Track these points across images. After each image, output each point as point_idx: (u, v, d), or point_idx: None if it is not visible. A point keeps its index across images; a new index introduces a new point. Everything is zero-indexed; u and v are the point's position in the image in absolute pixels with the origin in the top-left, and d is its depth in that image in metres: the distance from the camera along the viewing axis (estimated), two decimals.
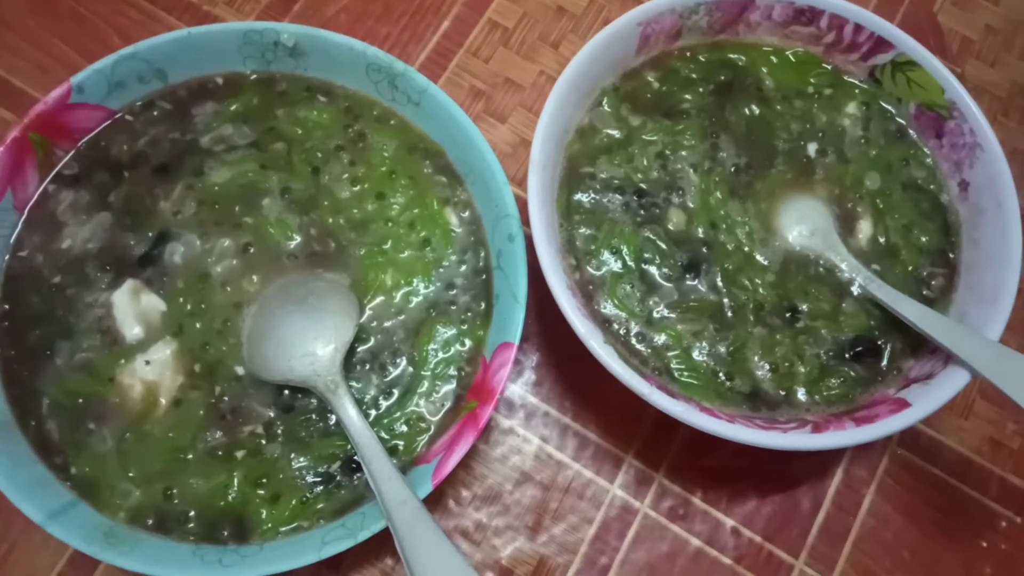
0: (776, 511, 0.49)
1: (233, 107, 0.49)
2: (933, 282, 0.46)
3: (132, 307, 0.45)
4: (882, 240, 0.47)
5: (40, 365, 0.44)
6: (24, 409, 0.43)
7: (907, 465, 0.51)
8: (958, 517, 0.50)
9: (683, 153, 0.48)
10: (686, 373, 0.44)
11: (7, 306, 0.44)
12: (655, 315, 0.45)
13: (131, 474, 0.42)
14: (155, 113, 0.49)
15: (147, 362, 0.44)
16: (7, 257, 0.45)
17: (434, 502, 0.48)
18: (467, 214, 0.48)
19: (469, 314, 0.46)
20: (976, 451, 0.51)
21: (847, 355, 0.45)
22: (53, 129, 0.46)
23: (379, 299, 0.46)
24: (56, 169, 0.47)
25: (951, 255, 0.47)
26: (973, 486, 0.50)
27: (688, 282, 0.46)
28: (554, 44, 0.59)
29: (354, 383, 0.45)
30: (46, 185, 0.47)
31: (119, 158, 0.48)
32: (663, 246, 0.46)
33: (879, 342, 0.45)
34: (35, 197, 0.46)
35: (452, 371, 0.45)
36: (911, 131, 0.49)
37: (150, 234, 0.46)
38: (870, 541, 0.49)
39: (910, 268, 0.46)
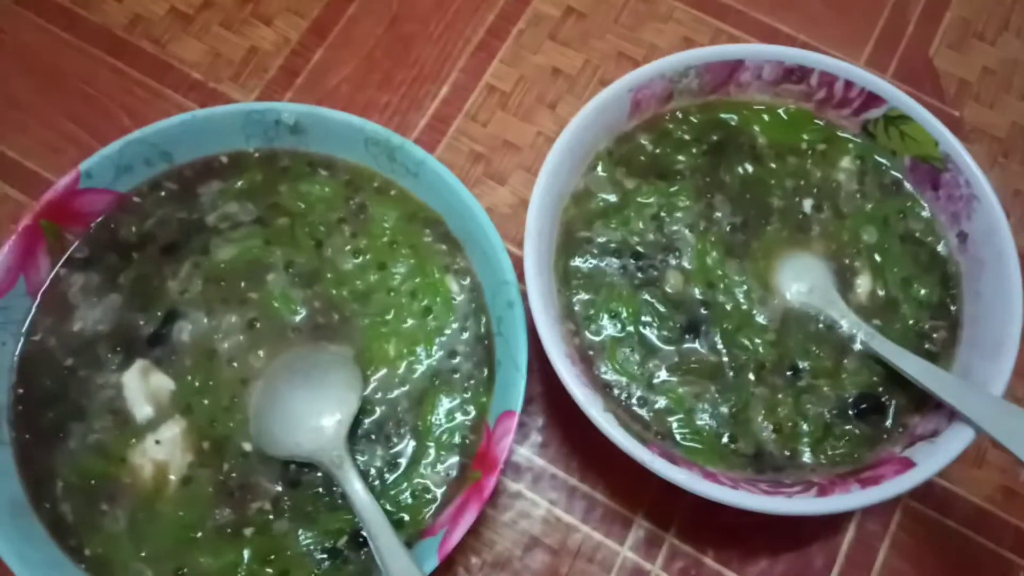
0: (789, 569, 0.49)
1: (238, 184, 0.51)
2: (935, 335, 0.46)
3: (142, 387, 0.46)
4: (881, 294, 0.47)
5: (54, 447, 0.45)
6: (39, 492, 0.44)
7: (921, 518, 0.50)
8: (974, 570, 0.49)
9: (679, 214, 0.48)
10: (689, 436, 0.44)
11: (21, 390, 0.45)
12: (656, 379, 0.45)
13: (143, 554, 0.43)
14: (162, 194, 0.50)
15: (157, 441, 0.45)
16: (21, 342, 0.46)
17: (444, 570, 0.48)
18: (467, 281, 0.49)
19: (472, 381, 0.47)
20: (990, 501, 0.50)
21: (851, 412, 0.44)
22: (63, 215, 0.47)
23: (383, 370, 0.47)
24: (67, 253, 0.48)
25: (952, 308, 0.47)
26: (988, 537, 0.50)
27: (688, 344, 0.46)
28: (551, 105, 0.60)
29: (359, 455, 0.45)
30: (58, 269, 0.48)
31: (128, 239, 0.49)
32: (662, 308, 0.46)
33: (883, 399, 0.45)
34: (47, 282, 0.48)
35: (456, 439, 0.46)
36: (907, 184, 0.49)
37: (159, 313, 0.47)
38: None
39: (911, 322, 0.46)
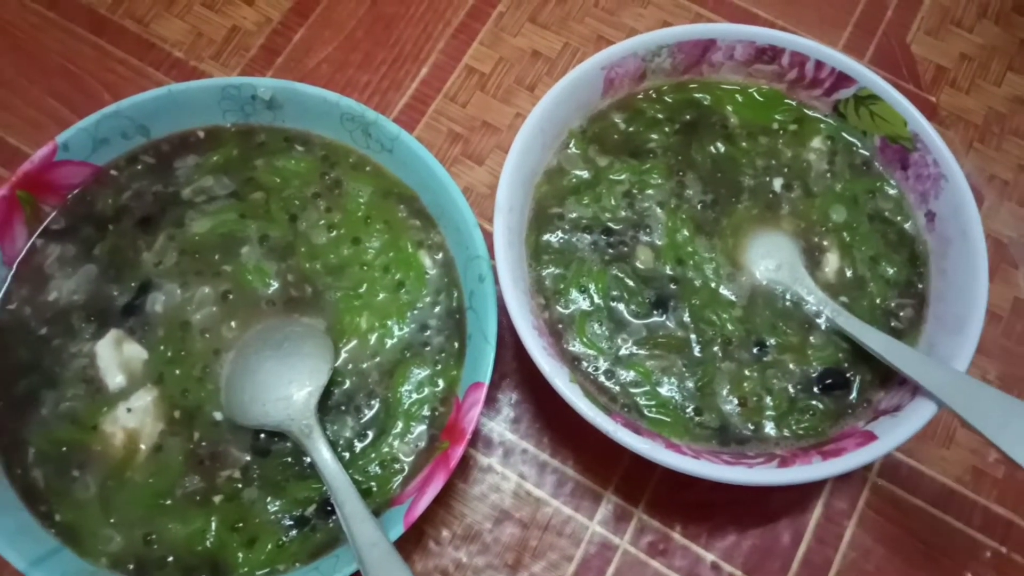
0: (757, 545, 0.49)
1: (214, 159, 0.51)
2: (902, 313, 0.46)
3: (115, 356, 0.46)
4: (849, 272, 0.47)
5: (27, 415, 0.45)
6: (10, 458, 0.44)
7: (888, 496, 0.50)
8: (942, 548, 0.49)
9: (650, 191, 0.49)
10: (655, 409, 0.44)
11: None
12: (623, 352, 0.45)
13: (112, 520, 0.43)
14: (139, 167, 0.50)
15: (129, 410, 0.45)
16: None
17: (414, 542, 0.49)
18: (440, 256, 0.49)
19: (443, 354, 0.47)
20: (959, 480, 0.51)
21: (816, 388, 0.45)
22: (40, 186, 0.48)
23: (354, 342, 0.47)
24: (44, 224, 0.49)
25: (919, 286, 0.47)
26: (956, 516, 0.50)
27: (656, 319, 0.46)
28: (530, 87, 0.60)
29: (330, 426, 0.45)
30: (34, 240, 0.48)
31: (104, 212, 0.49)
32: (631, 284, 0.47)
33: (848, 374, 0.45)
34: (23, 252, 0.48)
35: (426, 411, 0.46)
36: (876, 163, 0.50)
37: (133, 284, 0.48)
38: (852, 574, 0.49)
39: (878, 300, 0.47)
